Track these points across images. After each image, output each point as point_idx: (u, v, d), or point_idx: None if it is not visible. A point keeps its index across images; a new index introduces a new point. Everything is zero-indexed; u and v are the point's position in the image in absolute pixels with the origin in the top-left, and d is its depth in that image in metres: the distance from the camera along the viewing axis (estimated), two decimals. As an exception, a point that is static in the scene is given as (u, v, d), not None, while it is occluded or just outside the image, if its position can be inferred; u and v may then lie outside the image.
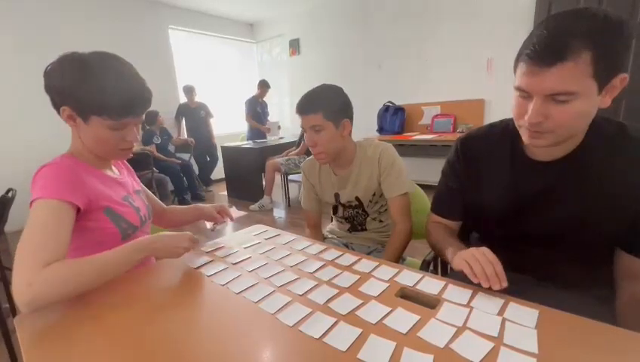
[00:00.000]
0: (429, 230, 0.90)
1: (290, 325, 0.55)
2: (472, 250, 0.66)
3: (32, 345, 0.53)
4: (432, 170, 3.69)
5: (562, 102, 0.56)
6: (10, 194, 1.88)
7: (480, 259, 0.63)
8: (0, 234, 1.93)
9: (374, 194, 1.11)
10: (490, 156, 0.78)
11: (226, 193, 4.10)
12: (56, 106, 0.73)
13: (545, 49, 0.55)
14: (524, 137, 0.65)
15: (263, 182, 3.58)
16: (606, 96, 0.58)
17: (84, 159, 0.78)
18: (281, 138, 4.32)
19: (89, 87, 0.69)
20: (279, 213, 3.42)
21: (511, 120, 0.76)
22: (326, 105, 1.00)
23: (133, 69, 0.75)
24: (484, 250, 0.65)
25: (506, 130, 0.76)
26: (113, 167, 0.89)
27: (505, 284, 0.60)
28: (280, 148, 3.79)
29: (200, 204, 1.08)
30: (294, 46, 4.87)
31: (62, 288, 0.59)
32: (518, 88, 0.61)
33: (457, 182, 0.84)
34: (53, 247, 0.61)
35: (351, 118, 1.06)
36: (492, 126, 0.80)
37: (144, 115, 0.79)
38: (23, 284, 0.56)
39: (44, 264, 0.59)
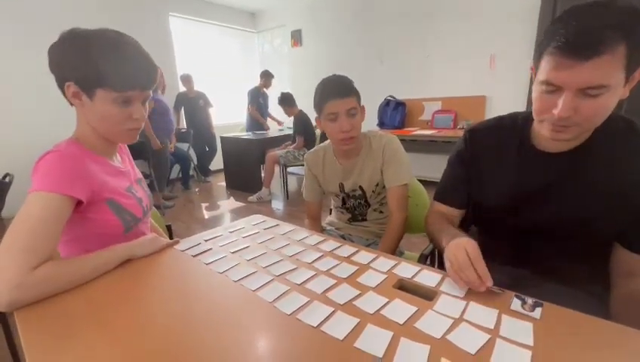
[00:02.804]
0: (427, 219, 0.90)
1: (288, 313, 0.55)
2: (453, 247, 0.63)
3: (33, 335, 0.53)
4: (432, 166, 3.68)
5: (593, 95, 0.55)
6: (7, 179, 1.87)
7: (460, 262, 0.60)
8: (-3, 220, 1.93)
9: (377, 185, 1.12)
10: (497, 147, 0.77)
11: (224, 184, 4.10)
12: (61, 84, 0.70)
13: (579, 42, 0.53)
14: (546, 131, 0.63)
15: (262, 174, 3.57)
16: (626, 87, 0.57)
17: (89, 145, 0.76)
18: (281, 130, 4.30)
19: (91, 57, 0.67)
20: (277, 205, 3.42)
21: (520, 113, 0.76)
22: (355, 90, 1.03)
23: (136, 42, 0.73)
24: (466, 244, 0.61)
25: (515, 123, 0.76)
26: (117, 154, 0.86)
27: (489, 284, 0.58)
28: (280, 141, 3.77)
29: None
30: (296, 37, 4.82)
31: (47, 291, 0.60)
32: (546, 82, 0.59)
33: (464, 172, 0.83)
34: (44, 246, 0.60)
35: None
36: (501, 118, 0.80)
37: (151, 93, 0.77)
38: (11, 285, 0.55)
39: (35, 265, 0.58)
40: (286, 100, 3.48)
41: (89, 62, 0.67)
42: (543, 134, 0.65)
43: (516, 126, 0.75)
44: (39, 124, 3.12)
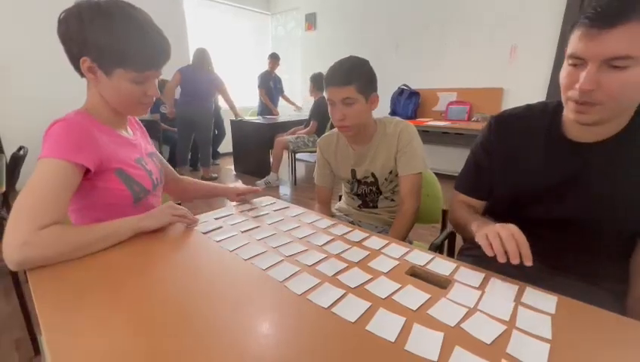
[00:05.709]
0: (453, 208, 0.89)
1: (299, 293, 0.55)
2: (497, 225, 0.61)
3: (45, 295, 0.53)
4: (444, 159, 3.62)
5: (618, 68, 0.52)
6: (21, 152, 1.90)
7: (502, 235, 0.58)
8: (12, 192, 1.96)
9: (390, 173, 1.10)
10: (525, 135, 0.74)
11: (232, 167, 4.11)
12: (74, 57, 0.69)
13: (607, 8, 0.50)
14: (570, 112, 0.61)
15: (271, 159, 3.56)
16: None
17: (100, 117, 0.76)
18: (290, 115, 4.26)
19: (114, 37, 0.66)
20: (285, 190, 3.42)
21: (552, 102, 0.73)
22: (359, 78, 0.98)
23: (151, 19, 0.73)
24: (511, 226, 0.59)
25: (544, 110, 0.73)
26: (128, 127, 0.86)
27: (529, 263, 0.55)
28: (289, 126, 3.74)
29: (219, 185, 1.13)
30: (310, 20, 4.71)
31: (54, 252, 0.60)
32: (571, 55, 0.57)
33: (487, 161, 0.80)
34: (52, 209, 0.61)
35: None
36: (530, 106, 0.77)
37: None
38: (18, 243, 0.56)
39: (42, 226, 0.59)
40: (317, 80, 3.45)
41: (112, 42, 0.67)
42: (570, 117, 0.62)
43: (546, 114, 0.72)
44: (54, 98, 3.13)
